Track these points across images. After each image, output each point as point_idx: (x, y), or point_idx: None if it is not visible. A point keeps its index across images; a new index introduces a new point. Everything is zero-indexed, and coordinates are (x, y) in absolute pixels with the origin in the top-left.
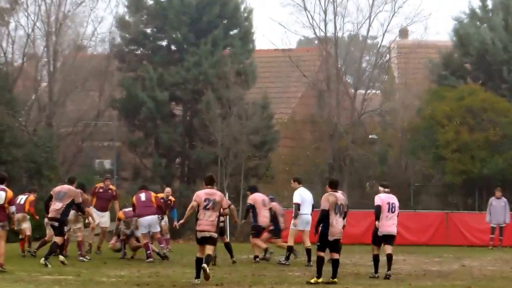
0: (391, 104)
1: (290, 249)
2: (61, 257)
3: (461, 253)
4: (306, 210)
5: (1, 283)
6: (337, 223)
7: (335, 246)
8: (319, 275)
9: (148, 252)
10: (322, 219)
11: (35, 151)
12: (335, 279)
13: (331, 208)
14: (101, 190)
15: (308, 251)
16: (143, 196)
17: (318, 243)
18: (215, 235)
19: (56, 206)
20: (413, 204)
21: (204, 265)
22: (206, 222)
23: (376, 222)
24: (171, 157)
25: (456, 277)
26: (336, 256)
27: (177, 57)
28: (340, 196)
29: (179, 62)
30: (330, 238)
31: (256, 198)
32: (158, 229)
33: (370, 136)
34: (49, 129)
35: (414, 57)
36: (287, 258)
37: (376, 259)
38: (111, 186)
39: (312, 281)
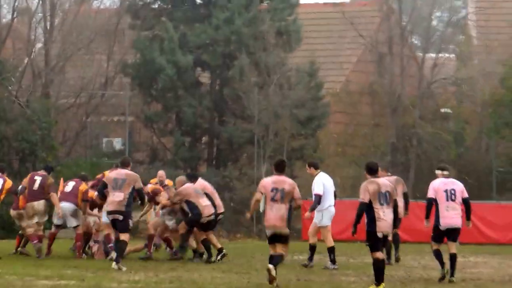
0: (468, 71)
1: (332, 250)
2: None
3: None
4: (331, 201)
5: None
6: (385, 215)
7: (383, 243)
8: (378, 281)
9: (110, 245)
10: (361, 213)
11: (28, 127)
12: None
13: (373, 199)
14: None
15: (313, 249)
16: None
17: (369, 244)
18: (286, 231)
19: (117, 197)
20: (497, 194)
21: (270, 265)
22: (275, 216)
23: (425, 221)
24: (196, 135)
25: None
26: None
27: (204, 12)
28: (383, 182)
29: (206, 18)
30: (380, 234)
31: (208, 186)
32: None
33: (442, 110)
34: (46, 100)
35: (497, 13)
36: (333, 261)
37: (437, 253)
38: None
39: None
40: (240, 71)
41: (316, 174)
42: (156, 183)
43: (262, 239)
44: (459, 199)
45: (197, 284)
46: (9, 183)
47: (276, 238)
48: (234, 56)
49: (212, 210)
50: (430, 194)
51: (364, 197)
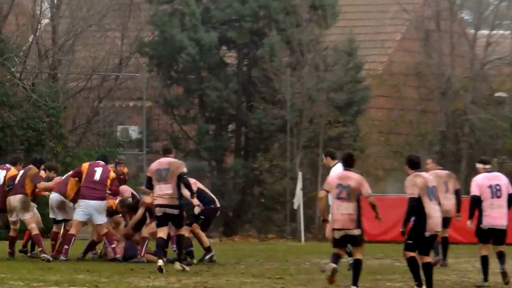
0: None
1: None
2: (160, 262)
3: None
4: None
5: None
6: (434, 212)
7: (430, 244)
8: (419, 282)
9: (66, 247)
10: (413, 210)
11: (34, 114)
12: None
13: (423, 193)
14: None
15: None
16: (98, 173)
17: (409, 241)
18: (357, 232)
19: (166, 189)
20: None
21: (333, 265)
22: (343, 216)
23: (468, 222)
24: (221, 122)
25: None
26: (428, 259)
27: None
28: (428, 176)
29: None
30: (428, 233)
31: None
32: (105, 221)
33: (497, 94)
34: (54, 83)
35: None
36: (349, 254)
37: (484, 261)
38: (124, 170)
39: None
40: (270, 49)
41: (333, 165)
42: None
43: (296, 239)
44: (505, 197)
45: None
46: (12, 172)
47: (346, 241)
48: (263, 33)
49: (198, 201)
50: (474, 191)
51: (413, 191)
